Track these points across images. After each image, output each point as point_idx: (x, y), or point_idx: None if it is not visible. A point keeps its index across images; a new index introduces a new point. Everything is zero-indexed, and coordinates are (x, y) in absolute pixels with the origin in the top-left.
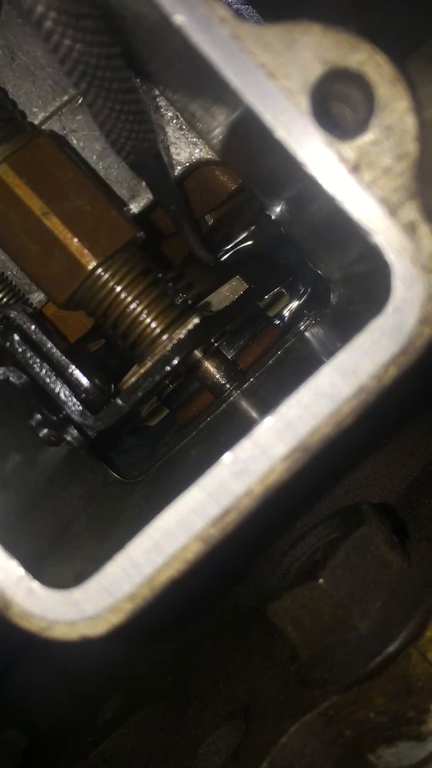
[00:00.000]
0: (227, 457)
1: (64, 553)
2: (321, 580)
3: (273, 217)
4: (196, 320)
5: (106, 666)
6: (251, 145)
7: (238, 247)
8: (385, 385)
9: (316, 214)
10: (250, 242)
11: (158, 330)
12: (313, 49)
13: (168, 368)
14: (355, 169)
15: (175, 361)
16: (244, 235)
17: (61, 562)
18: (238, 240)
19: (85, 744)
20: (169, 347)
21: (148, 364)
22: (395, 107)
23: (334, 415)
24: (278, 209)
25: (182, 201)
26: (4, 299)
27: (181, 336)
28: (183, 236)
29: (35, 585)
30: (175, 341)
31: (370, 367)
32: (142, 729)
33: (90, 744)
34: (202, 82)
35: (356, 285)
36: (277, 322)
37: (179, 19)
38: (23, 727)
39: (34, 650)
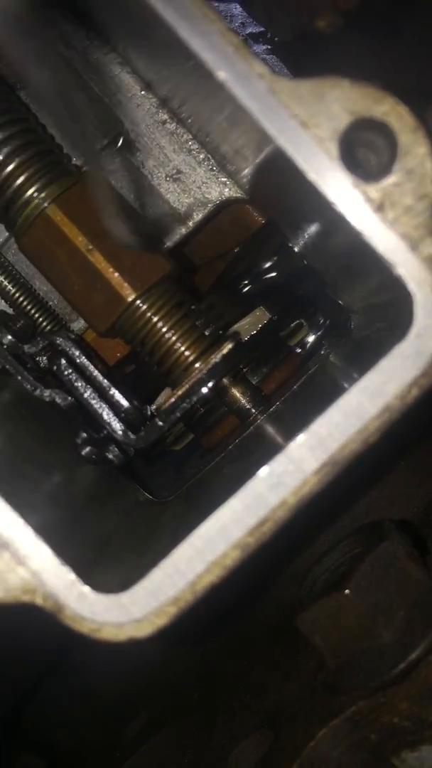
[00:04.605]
0: (263, 471)
1: (107, 563)
2: (347, 591)
3: (296, 250)
4: (230, 345)
5: (129, 686)
6: (280, 185)
7: (262, 279)
8: (408, 405)
9: (339, 247)
10: (273, 273)
11: (192, 358)
12: (341, 102)
13: (204, 390)
14: (380, 208)
15: (210, 384)
16: (267, 266)
17: (105, 571)
18: (260, 270)
19: (112, 760)
20: (204, 371)
21: (186, 386)
22: (416, 153)
23: (362, 432)
24: (301, 242)
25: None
26: (48, 327)
27: (217, 360)
28: None
29: (86, 589)
30: (210, 365)
31: (394, 388)
32: (170, 743)
33: (117, 759)
34: (237, 126)
35: (378, 313)
36: (298, 350)
37: (222, 75)
38: (42, 752)
39: (56, 672)
